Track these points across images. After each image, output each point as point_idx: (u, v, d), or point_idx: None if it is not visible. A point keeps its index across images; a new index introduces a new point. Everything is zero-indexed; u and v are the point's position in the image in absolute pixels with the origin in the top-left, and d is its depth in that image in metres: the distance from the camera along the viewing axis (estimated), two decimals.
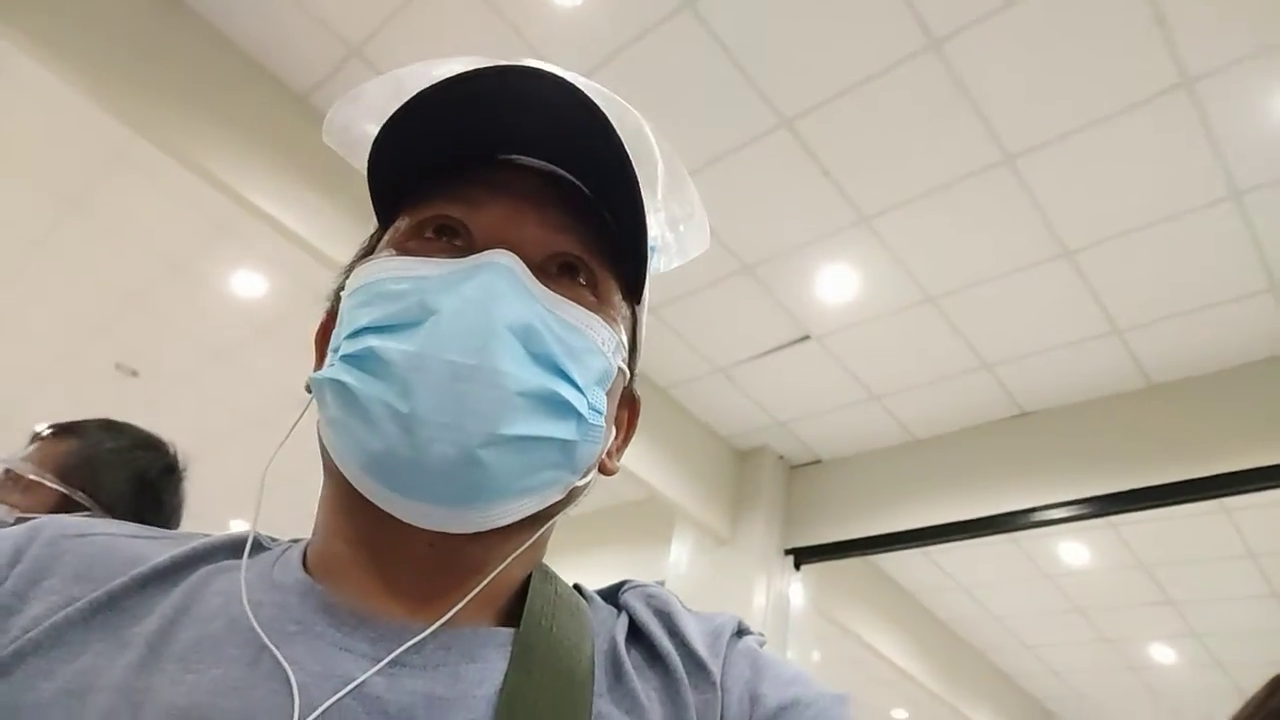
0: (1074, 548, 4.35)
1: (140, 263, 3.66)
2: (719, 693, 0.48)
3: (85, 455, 1.26)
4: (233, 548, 0.51)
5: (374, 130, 0.51)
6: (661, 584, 0.58)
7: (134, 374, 4.39)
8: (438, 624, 0.46)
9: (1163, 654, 5.11)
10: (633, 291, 0.57)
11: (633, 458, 3.57)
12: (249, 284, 3.70)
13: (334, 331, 0.51)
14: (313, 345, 0.56)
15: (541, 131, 0.52)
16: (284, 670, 0.42)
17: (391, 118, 0.50)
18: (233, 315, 3.86)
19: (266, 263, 3.56)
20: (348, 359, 0.47)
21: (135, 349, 4.23)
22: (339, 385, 0.46)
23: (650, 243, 0.56)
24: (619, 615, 0.53)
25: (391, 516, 0.47)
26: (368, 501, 0.47)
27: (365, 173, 0.53)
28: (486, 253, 0.48)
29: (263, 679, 0.42)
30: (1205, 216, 2.69)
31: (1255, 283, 2.88)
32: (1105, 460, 3.37)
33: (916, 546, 3.87)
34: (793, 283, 3.23)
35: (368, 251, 0.55)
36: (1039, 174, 2.66)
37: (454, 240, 0.51)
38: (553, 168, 0.54)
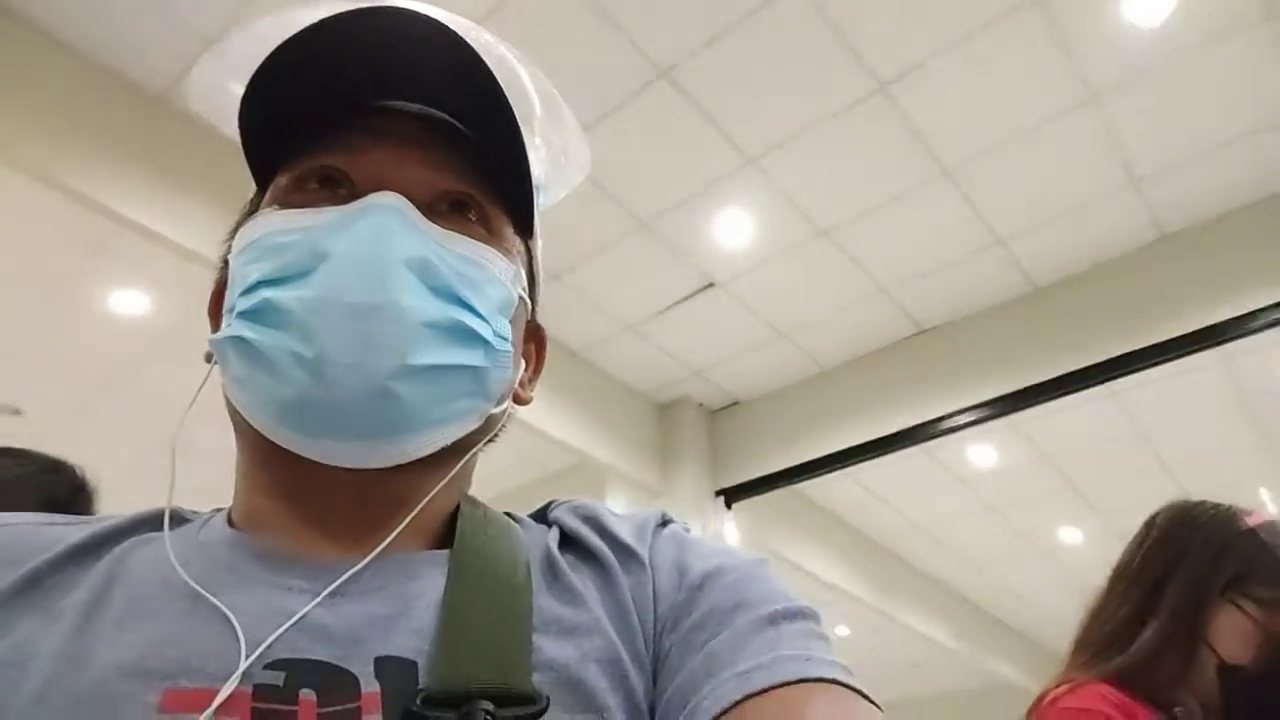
0: (982, 450, 4.60)
1: (7, 294, 3.43)
2: (649, 571, 0.50)
3: None
4: (152, 521, 0.51)
5: (240, 89, 0.49)
6: None
7: (17, 413, 4.14)
8: (374, 554, 0.47)
9: (1071, 535, 5.47)
10: (524, 227, 0.57)
11: (558, 424, 3.62)
12: (130, 302, 3.51)
13: (226, 293, 0.51)
14: (213, 324, 0.55)
15: (415, 73, 0.51)
16: (222, 615, 0.42)
17: (257, 71, 0.48)
18: (118, 337, 3.67)
19: (145, 277, 3.38)
20: (244, 315, 0.47)
21: (16, 386, 3.98)
22: (239, 342, 0.46)
23: (535, 180, 0.56)
24: (550, 529, 0.54)
25: (311, 462, 0.47)
26: (285, 451, 0.48)
27: (237, 134, 0.51)
28: (372, 195, 0.48)
29: (200, 626, 0.42)
30: (1067, 121, 2.84)
31: (1116, 179, 3.07)
32: (1001, 364, 3.57)
33: (837, 469, 4.04)
34: (689, 232, 3.27)
35: (250, 214, 0.54)
36: (911, 99, 2.75)
37: (337, 189, 0.50)
38: (430, 110, 0.53)
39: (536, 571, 0.49)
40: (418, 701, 0.39)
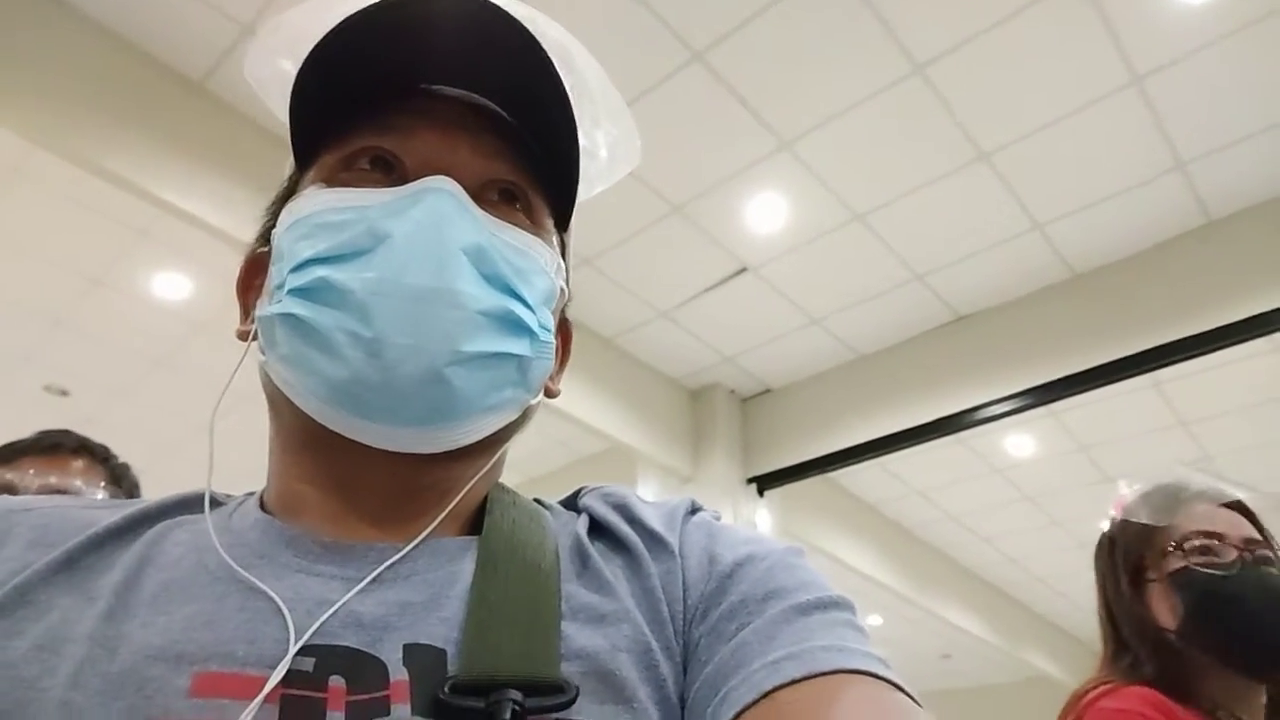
0: (1018, 440, 4.53)
1: (54, 280, 3.51)
2: (678, 560, 0.49)
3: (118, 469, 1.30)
4: (186, 504, 0.51)
5: (290, 68, 0.49)
6: None
7: (64, 394, 4.25)
8: (417, 541, 0.47)
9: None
10: (562, 218, 0.56)
11: (589, 410, 3.63)
12: (173, 285, 3.58)
13: (272, 269, 0.50)
14: (242, 301, 0.55)
15: (470, 57, 0.51)
16: (253, 600, 0.42)
17: (314, 48, 0.48)
18: (162, 320, 3.74)
19: (187, 261, 3.44)
20: (297, 292, 0.47)
21: (64, 368, 4.08)
22: (292, 319, 0.46)
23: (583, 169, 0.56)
24: (579, 516, 0.54)
25: (354, 446, 0.47)
26: (329, 434, 0.47)
27: (283, 111, 0.51)
28: (428, 179, 0.48)
29: (232, 611, 0.42)
30: (1110, 104, 2.77)
31: (1162, 162, 2.99)
32: (1039, 352, 3.51)
33: (870, 458, 4.00)
34: (723, 217, 3.25)
35: (290, 191, 0.54)
36: (949, 81, 2.71)
37: (389, 171, 0.50)
38: (477, 98, 0.53)
39: (566, 559, 0.49)
40: (445, 689, 0.39)
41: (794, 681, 0.40)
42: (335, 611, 0.42)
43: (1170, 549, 1.11)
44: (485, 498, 0.53)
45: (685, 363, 4.14)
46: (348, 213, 0.48)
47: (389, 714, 0.39)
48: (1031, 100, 2.78)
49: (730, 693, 0.41)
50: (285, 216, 0.50)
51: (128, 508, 0.49)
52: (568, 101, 0.50)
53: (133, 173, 2.51)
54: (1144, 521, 1.15)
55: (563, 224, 0.57)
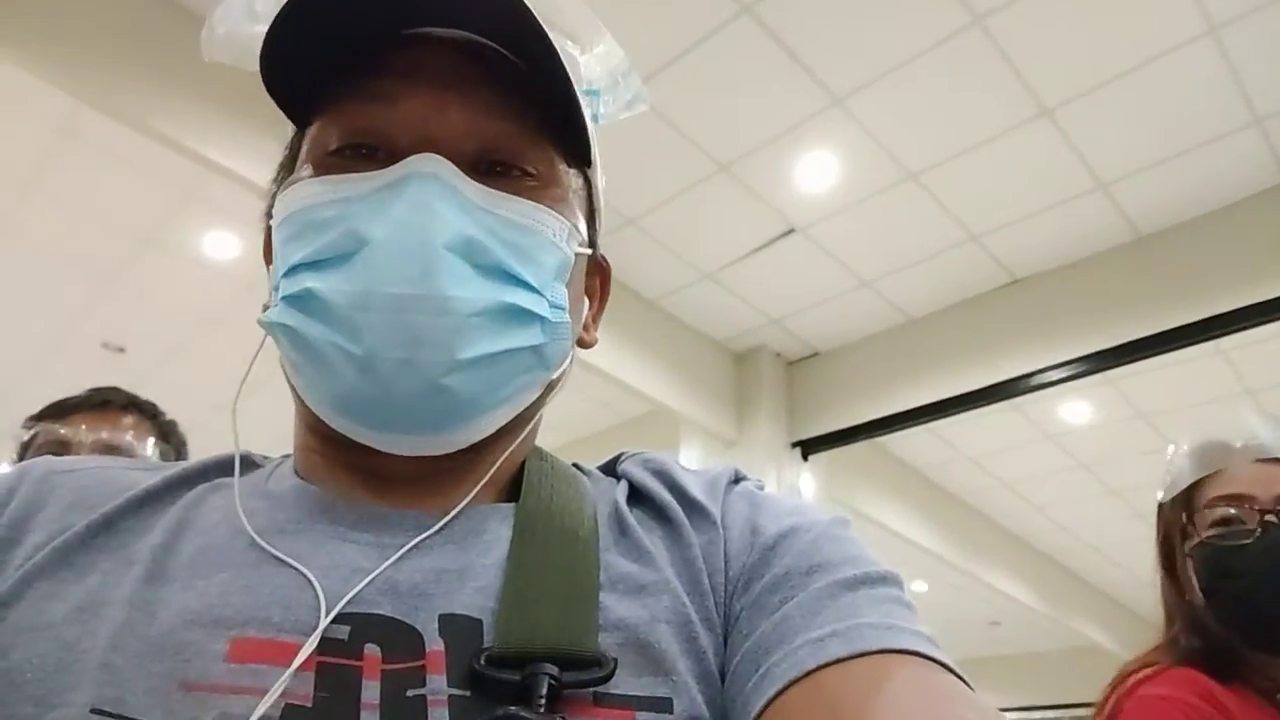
0: (1075, 406, 4.42)
1: (107, 239, 3.58)
2: (720, 530, 0.48)
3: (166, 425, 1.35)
4: (224, 466, 0.51)
5: (261, 30, 0.46)
6: None
7: (121, 350, 4.36)
8: (449, 516, 0.46)
9: None
10: (580, 156, 0.52)
11: (633, 372, 3.61)
12: (222, 245, 3.63)
13: (273, 264, 0.49)
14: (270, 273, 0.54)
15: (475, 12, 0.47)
16: (290, 568, 0.42)
17: (283, 8, 0.45)
18: (212, 279, 3.81)
19: (235, 220, 3.49)
20: (289, 300, 0.45)
21: (119, 326, 4.18)
22: (286, 329, 0.45)
23: (589, 106, 0.53)
24: (619, 482, 0.53)
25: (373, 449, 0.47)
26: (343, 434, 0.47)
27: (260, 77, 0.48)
28: (410, 160, 0.45)
29: (268, 577, 0.42)
30: (1183, 56, 2.62)
31: (1238, 118, 2.84)
32: (1099, 317, 3.39)
33: (920, 424, 3.93)
34: (771, 176, 3.18)
35: (289, 162, 0.52)
36: (1009, 32, 2.58)
37: (375, 150, 0.47)
38: (467, 35, 0.49)
39: (604, 526, 0.48)
40: (481, 660, 0.39)
41: (839, 660, 0.39)
42: (372, 580, 0.42)
43: (1194, 520, 1.06)
44: (522, 464, 0.52)
45: (730, 325, 4.10)
46: (331, 209, 0.45)
47: (424, 684, 0.39)
48: (1098, 52, 2.64)
49: (772, 669, 0.40)
50: (278, 207, 0.48)
51: (167, 470, 0.50)
52: (541, 28, 0.46)
53: (179, 133, 2.54)
54: (1175, 493, 1.10)
55: (582, 160, 0.53)
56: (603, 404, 4.57)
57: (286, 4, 0.45)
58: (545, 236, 0.48)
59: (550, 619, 0.41)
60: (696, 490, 0.51)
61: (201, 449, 1.41)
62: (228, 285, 3.84)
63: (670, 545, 0.48)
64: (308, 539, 0.44)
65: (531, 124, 0.49)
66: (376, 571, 0.42)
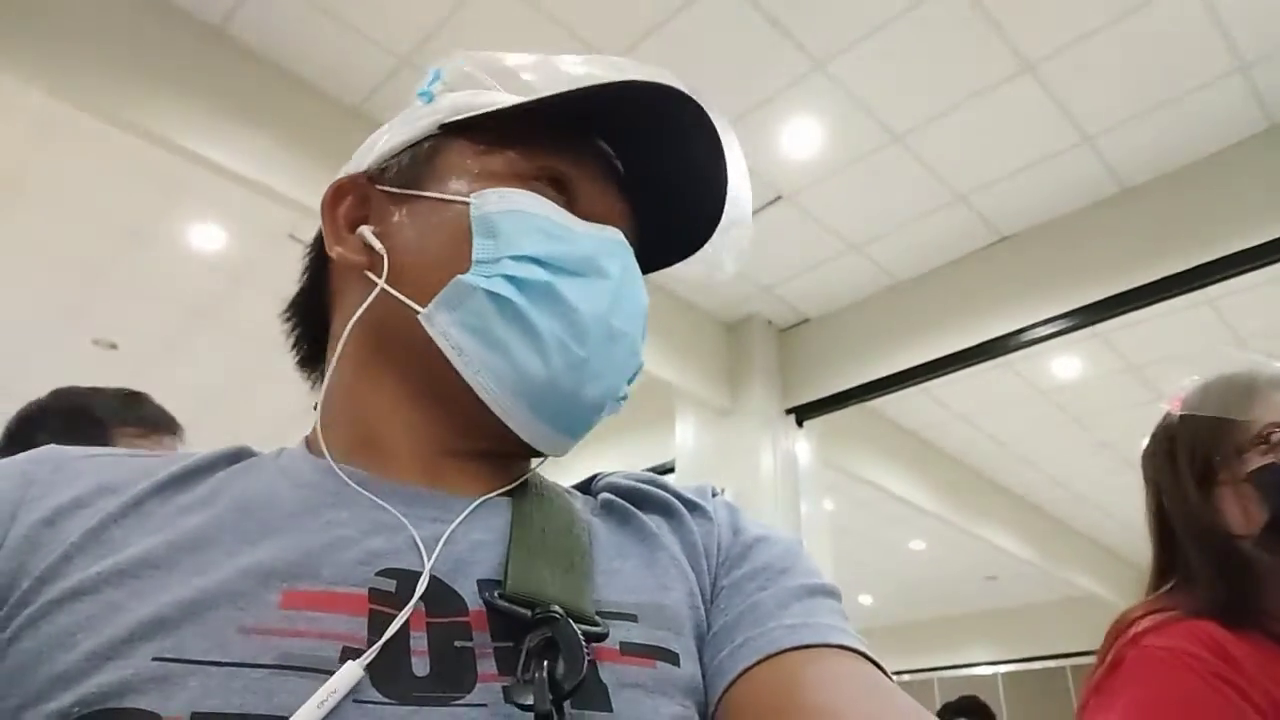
0: (1065, 361, 4.45)
1: (93, 234, 3.56)
2: (714, 524, 0.56)
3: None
4: (235, 456, 0.53)
5: (493, 87, 0.57)
6: (668, 469, 0.63)
7: (113, 346, 4.34)
8: (494, 494, 0.52)
9: None
10: None
11: None
12: (208, 236, 3.61)
13: (483, 243, 0.51)
14: (331, 219, 0.57)
15: (659, 151, 0.57)
16: (335, 530, 0.46)
17: (580, 89, 0.52)
18: (201, 270, 3.79)
19: (220, 212, 3.46)
20: (516, 281, 0.50)
21: (110, 322, 4.16)
22: (508, 304, 0.50)
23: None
24: (599, 495, 0.59)
25: (485, 425, 0.51)
26: (468, 407, 0.51)
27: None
28: (615, 229, 0.55)
29: (312, 536, 0.45)
30: (1164, 4, 2.62)
31: (1220, 64, 2.84)
32: (1087, 270, 3.40)
33: (912, 385, 3.95)
34: (756, 143, 3.17)
35: (434, 150, 0.56)
36: None
37: (560, 195, 0.54)
38: (620, 169, 0.58)
39: (601, 518, 0.55)
40: (495, 595, 0.44)
41: (807, 646, 0.46)
42: (408, 542, 0.46)
43: (1251, 445, 1.00)
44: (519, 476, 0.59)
45: (721, 295, 4.10)
46: (562, 230, 0.52)
47: (471, 638, 0.43)
48: (1078, 5, 2.63)
49: (749, 642, 0.47)
50: (494, 198, 0.52)
51: (183, 459, 0.51)
52: (714, 228, 0.59)
53: (160, 125, 2.51)
54: (1215, 415, 1.03)
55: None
56: None
57: (586, 89, 0.52)
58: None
59: (554, 582, 0.46)
60: (689, 493, 0.59)
61: (196, 446, 1.41)
62: (216, 277, 3.82)
63: (674, 529, 0.55)
64: (347, 506, 0.48)
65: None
66: (455, 523, 0.48)
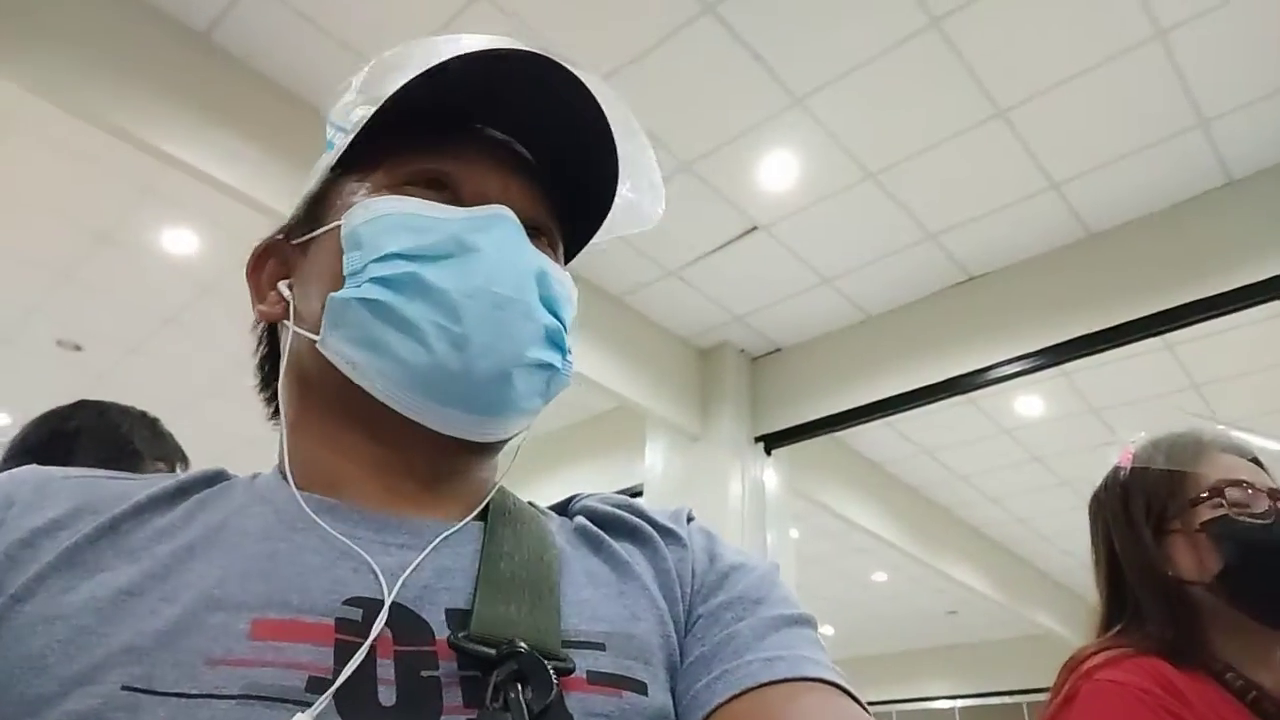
0: (1028, 400, 4.52)
1: (60, 233, 3.51)
2: (689, 551, 0.57)
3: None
4: (209, 480, 0.53)
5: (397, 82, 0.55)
6: (636, 492, 0.64)
7: (77, 348, 4.27)
8: (465, 521, 0.53)
9: None
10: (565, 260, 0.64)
11: (598, 368, 3.63)
12: (181, 241, 3.57)
13: (347, 256, 0.53)
14: (255, 284, 0.60)
15: (533, 115, 0.58)
16: (303, 558, 0.46)
17: (426, 73, 0.53)
18: (171, 276, 3.74)
19: (195, 216, 3.43)
20: (381, 281, 0.51)
21: (75, 324, 4.10)
22: (378, 305, 0.51)
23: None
24: (574, 519, 0.59)
25: (406, 429, 0.52)
26: (384, 415, 0.52)
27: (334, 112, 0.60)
28: (497, 207, 0.55)
29: (282, 565, 0.46)
30: (1131, 59, 2.71)
31: (1184, 119, 2.93)
32: (1052, 312, 3.48)
33: (879, 418, 4.00)
34: (734, 175, 3.21)
35: (323, 192, 0.59)
36: (965, 34, 2.64)
37: (442, 191, 0.56)
38: (524, 151, 0.60)
39: (574, 546, 0.55)
40: (459, 635, 0.44)
41: (785, 680, 0.46)
42: (385, 571, 0.46)
43: (1202, 497, 1.06)
44: (490, 492, 0.59)
45: (695, 322, 4.13)
46: (427, 220, 0.53)
47: (438, 668, 0.43)
48: (1050, 54, 2.72)
49: (727, 674, 0.47)
50: (361, 211, 0.54)
51: (160, 481, 0.52)
52: (616, 180, 0.59)
53: (137, 127, 2.49)
54: (1167, 468, 1.09)
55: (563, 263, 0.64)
56: (568, 400, 4.58)
57: (415, 83, 0.53)
58: (571, 295, 0.59)
59: (521, 620, 0.46)
60: (663, 519, 0.59)
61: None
62: (186, 282, 3.78)
63: (647, 557, 0.55)
64: (315, 535, 0.48)
65: (557, 220, 0.61)
66: (425, 552, 0.48)
